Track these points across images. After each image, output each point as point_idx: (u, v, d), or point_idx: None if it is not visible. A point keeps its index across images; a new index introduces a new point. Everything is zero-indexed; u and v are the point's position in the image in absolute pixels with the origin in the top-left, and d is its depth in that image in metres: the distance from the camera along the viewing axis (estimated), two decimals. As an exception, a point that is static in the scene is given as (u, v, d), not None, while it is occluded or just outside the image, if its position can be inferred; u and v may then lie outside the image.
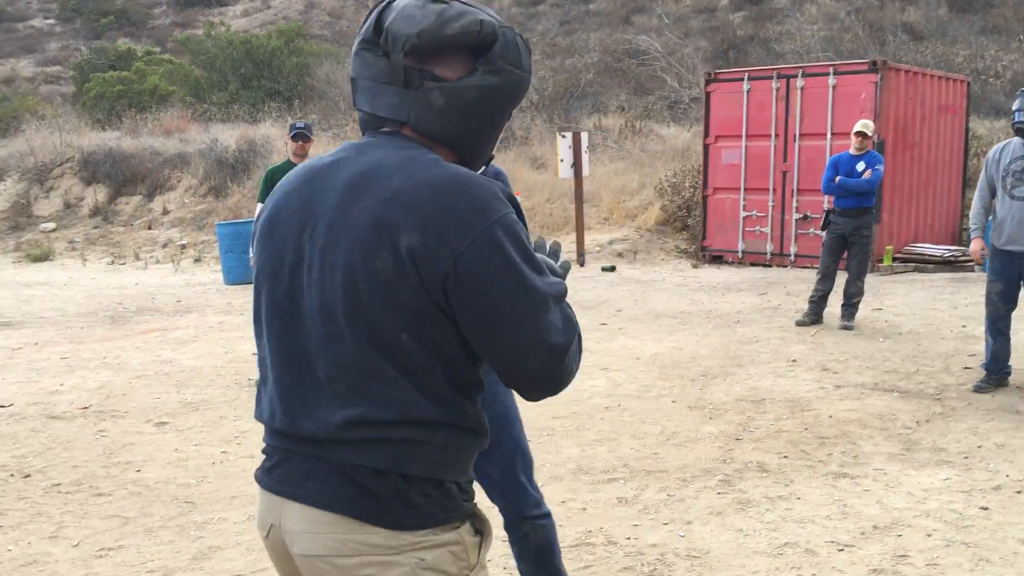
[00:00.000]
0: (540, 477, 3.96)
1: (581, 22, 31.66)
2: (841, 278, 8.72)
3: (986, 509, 4.26)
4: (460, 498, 1.66)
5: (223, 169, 17.62)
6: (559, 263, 1.88)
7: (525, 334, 1.55)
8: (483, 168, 2.72)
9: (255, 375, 5.25)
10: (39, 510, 4.48)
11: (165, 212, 17.33)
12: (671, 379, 6.79)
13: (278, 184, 1.75)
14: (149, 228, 16.84)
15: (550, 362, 1.58)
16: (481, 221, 1.52)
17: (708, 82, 13.62)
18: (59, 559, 3.91)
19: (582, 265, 13.46)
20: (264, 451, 1.73)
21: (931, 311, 9.32)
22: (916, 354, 7.42)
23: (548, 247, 1.93)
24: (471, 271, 1.51)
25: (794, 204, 12.82)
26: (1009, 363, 6.35)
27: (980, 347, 7.07)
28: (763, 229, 13.18)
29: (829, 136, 12.31)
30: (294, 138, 6.93)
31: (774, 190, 12.99)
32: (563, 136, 13.89)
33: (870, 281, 10.08)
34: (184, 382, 7.00)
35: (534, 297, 1.55)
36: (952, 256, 12.42)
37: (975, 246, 6.37)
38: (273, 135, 18.46)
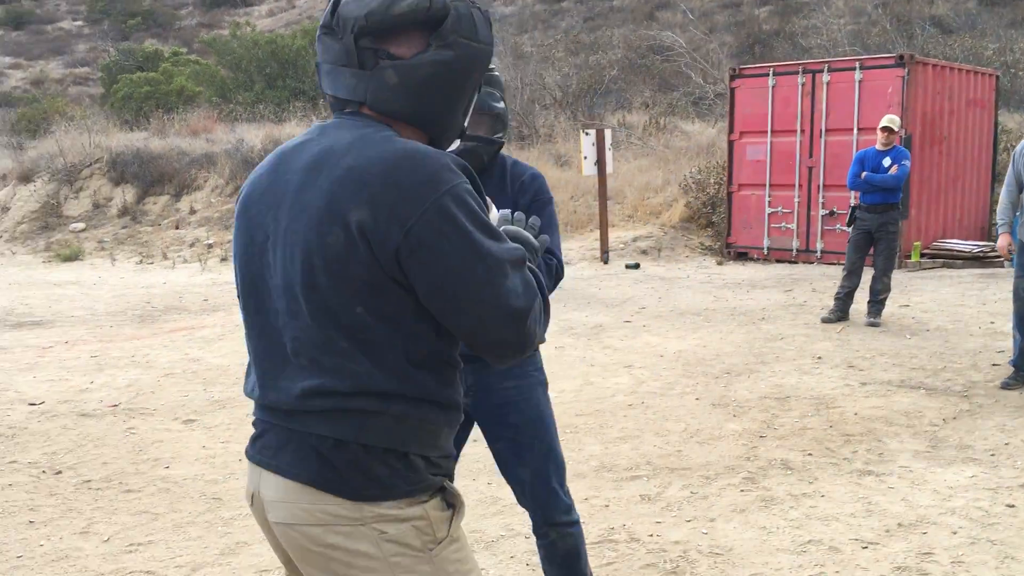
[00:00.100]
0: (563, 474, 3.98)
1: (605, 18, 31.60)
2: (868, 274, 8.66)
3: (1012, 507, 4.23)
4: (427, 471, 1.68)
5: (249, 169, 17.74)
6: (539, 237, 1.94)
7: (484, 300, 1.57)
8: (521, 173, 2.72)
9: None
10: (70, 506, 4.55)
11: (192, 212, 17.48)
12: (695, 376, 6.78)
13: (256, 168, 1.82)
14: (176, 228, 17.00)
15: (511, 326, 1.60)
16: (430, 192, 1.55)
17: (733, 78, 13.56)
18: (90, 554, 3.97)
19: (606, 263, 13.45)
20: (253, 424, 1.79)
21: (959, 307, 9.24)
22: (943, 351, 7.37)
23: (528, 222, 1.98)
24: (422, 242, 1.54)
25: (820, 200, 12.74)
26: (1038, 360, 6.29)
27: (1008, 344, 7.01)
28: (789, 225, 13.11)
29: (855, 131, 12.22)
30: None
31: (800, 186, 12.92)
32: (587, 133, 13.87)
33: (897, 277, 10.01)
34: (211, 380, 7.08)
35: (489, 263, 1.57)
36: (981, 252, 12.30)
37: (1002, 242, 6.31)
38: (298, 135, 18.56)
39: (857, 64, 12.48)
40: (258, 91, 24.33)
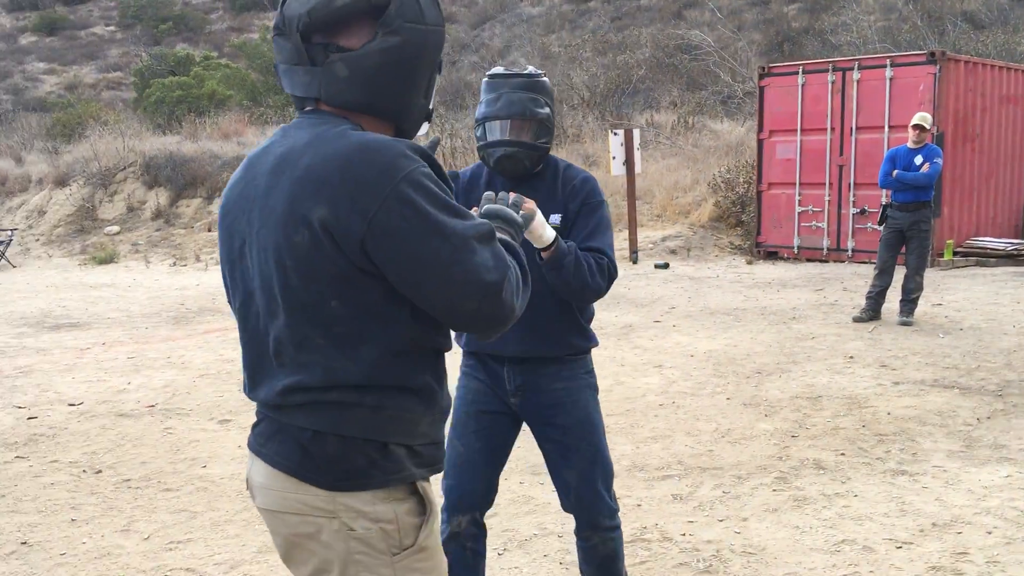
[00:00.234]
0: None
1: (632, 18, 31.52)
2: (899, 273, 8.61)
3: (1049, 507, 4.20)
4: (409, 461, 1.70)
5: (280, 171, 17.87)
6: (520, 214, 1.98)
7: (454, 278, 1.60)
8: (573, 177, 2.73)
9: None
10: (111, 504, 4.64)
11: (224, 214, 17.67)
12: (726, 376, 6.78)
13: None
14: (209, 230, 17.17)
15: (486, 300, 1.62)
16: (388, 181, 1.57)
17: (762, 76, 13.51)
18: (131, 552, 4.05)
19: (635, 262, 13.44)
20: (256, 414, 1.85)
21: (993, 306, 9.15)
22: (977, 350, 7.31)
23: (510, 199, 2.01)
24: (386, 230, 1.57)
25: (851, 198, 12.66)
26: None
27: (1043, 342, 6.95)
28: (819, 224, 13.04)
29: (886, 129, 12.14)
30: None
31: (830, 184, 12.85)
32: (615, 133, 13.88)
33: (930, 276, 9.93)
34: (246, 381, 7.16)
35: (455, 242, 1.59)
36: (1015, 250, 12.17)
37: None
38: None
39: (888, 61, 12.40)
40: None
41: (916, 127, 8.37)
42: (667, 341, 8.06)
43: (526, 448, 3.02)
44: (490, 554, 3.36)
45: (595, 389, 2.91)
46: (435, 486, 1.89)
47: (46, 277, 15.00)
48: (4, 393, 6.98)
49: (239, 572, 3.82)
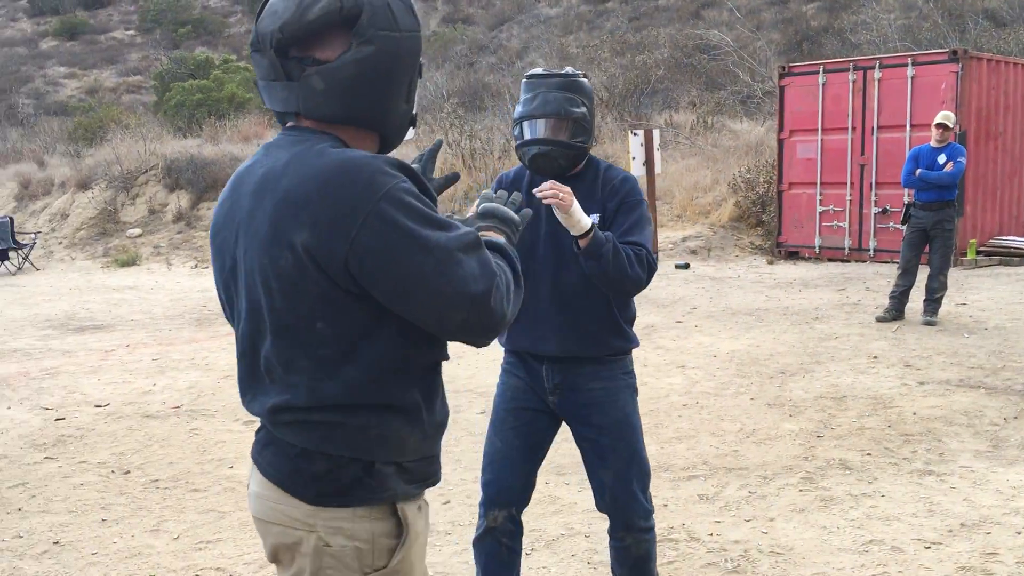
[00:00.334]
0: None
1: (650, 18, 31.48)
2: (923, 273, 8.56)
3: (1079, 507, 4.17)
4: (397, 478, 1.70)
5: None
6: (520, 212, 1.96)
7: (441, 292, 1.59)
8: (613, 177, 2.72)
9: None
10: (140, 505, 4.68)
11: (245, 216, 17.78)
12: (749, 376, 6.76)
13: None
14: (230, 232, 17.28)
15: (474, 310, 1.61)
16: (367, 200, 1.56)
17: (782, 76, 13.47)
18: (161, 551, 4.09)
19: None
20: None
21: (1018, 305, 9.09)
22: (1002, 349, 7.26)
23: (508, 198, 1.99)
24: (368, 250, 1.56)
25: (872, 198, 12.60)
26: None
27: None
28: (840, 224, 12.99)
29: (908, 128, 12.07)
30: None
31: (852, 184, 12.79)
32: (635, 134, 13.84)
33: (953, 275, 9.86)
34: (270, 382, 7.20)
35: (439, 256, 1.58)
36: (1039, 248, 12.08)
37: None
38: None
39: (909, 60, 12.33)
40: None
41: (939, 126, 8.33)
42: (689, 341, 8.05)
43: (552, 448, 3.03)
44: (519, 554, 3.37)
45: (634, 390, 2.91)
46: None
47: (69, 280, 15.13)
48: (31, 395, 7.05)
49: (268, 571, 3.85)
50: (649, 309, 9.57)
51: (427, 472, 1.77)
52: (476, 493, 4.61)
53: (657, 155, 13.84)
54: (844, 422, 5.58)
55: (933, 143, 8.39)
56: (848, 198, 12.85)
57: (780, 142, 13.52)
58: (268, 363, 1.70)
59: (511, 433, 2.88)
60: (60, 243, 18.05)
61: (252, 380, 1.75)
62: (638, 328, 9.00)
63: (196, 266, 15.94)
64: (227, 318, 1.83)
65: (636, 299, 3.00)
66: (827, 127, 12.91)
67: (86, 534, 4.30)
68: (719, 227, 14.63)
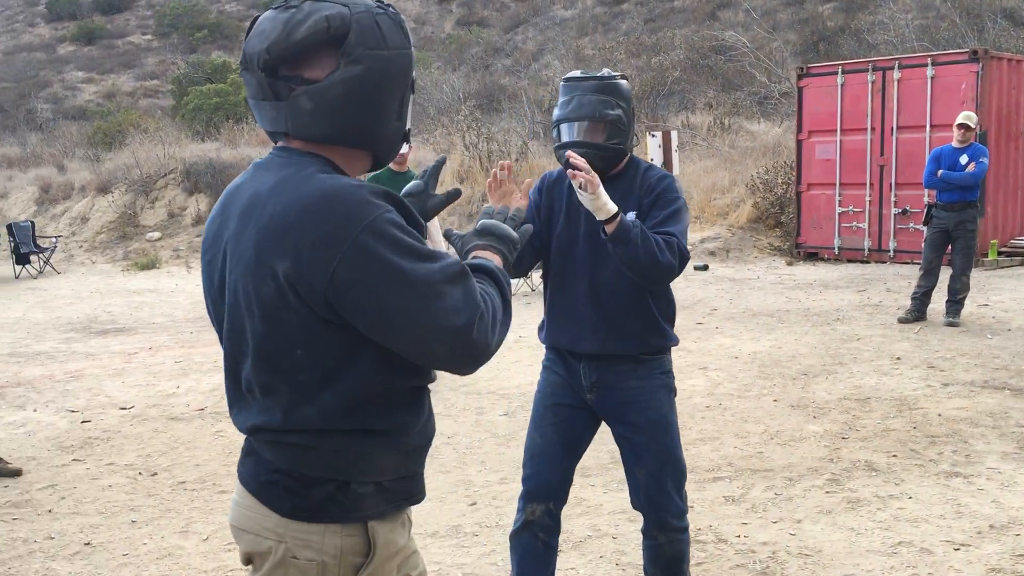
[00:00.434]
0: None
1: (666, 19, 31.45)
2: (945, 273, 8.53)
3: (1109, 509, 4.15)
4: (375, 497, 1.69)
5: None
6: (520, 229, 1.94)
7: (421, 325, 1.57)
8: (651, 176, 2.71)
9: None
10: (168, 506, 4.71)
11: (263, 219, 17.87)
12: (772, 378, 6.75)
13: None
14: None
15: (456, 343, 1.59)
16: (348, 232, 1.54)
17: (801, 76, 13.43)
18: (191, 552, 4.12)
19: (674, 264, 13.39)
20: None
21: (1041, 306, 9.03)
22: (1027, 351, 7.23)
23: (509, 212, 1.97)
24: (349, 283, 1.55)
25: (892, 198, 12.55)
26: None
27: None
28: (860, 225, 12.94)
29: (928, 129, 12.02)
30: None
31: (871, 185, 12.74)
32: (653, 135, 13.83)
33: (975, 276, 9.82)
34: (292, 384, 7.24)
35: (419, 289, 1.56)
36: (1061, 249, 12.00)
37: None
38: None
39: (929, 60, 12.28)
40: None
41: (961, 126, 8.29)
42: (711, 343, 8.04)
43: (581, 450, 3.05)
44: (548, 555, 3.38)
45: (671, 390, 2.92)
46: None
47: (90, 283, 15.24)
48: (57, 397, 7.11)
49: (298, 573, 3.87)
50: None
51: (409, 491, 1.76)
52: (502, 495, 4.63)
53: (675, 157, 13.83)
54: (869, 424, 5.56)
55: (955, 143, 8.36)
56: (867, 199, 12.80)
57: (799, 143, 13.48)
58: (248, 384, 1.70)
59: (550, 429, 2.90)
60: (80, 247, 18.18)
61: (236, 396, 1.77)
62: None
63: (215, 269, 16.02)
64: (216, 332, 1.83)
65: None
66: (846, 128, 12.86)
67: (117, 535, 4.34)
68: (737, 228, 14.60)
